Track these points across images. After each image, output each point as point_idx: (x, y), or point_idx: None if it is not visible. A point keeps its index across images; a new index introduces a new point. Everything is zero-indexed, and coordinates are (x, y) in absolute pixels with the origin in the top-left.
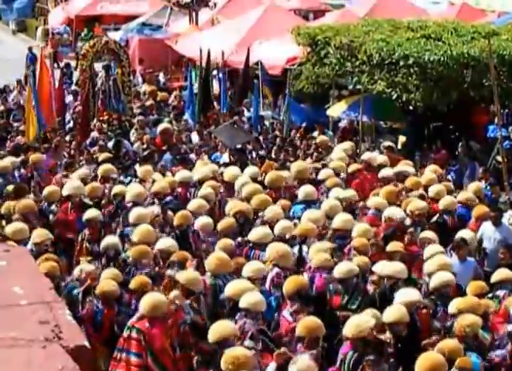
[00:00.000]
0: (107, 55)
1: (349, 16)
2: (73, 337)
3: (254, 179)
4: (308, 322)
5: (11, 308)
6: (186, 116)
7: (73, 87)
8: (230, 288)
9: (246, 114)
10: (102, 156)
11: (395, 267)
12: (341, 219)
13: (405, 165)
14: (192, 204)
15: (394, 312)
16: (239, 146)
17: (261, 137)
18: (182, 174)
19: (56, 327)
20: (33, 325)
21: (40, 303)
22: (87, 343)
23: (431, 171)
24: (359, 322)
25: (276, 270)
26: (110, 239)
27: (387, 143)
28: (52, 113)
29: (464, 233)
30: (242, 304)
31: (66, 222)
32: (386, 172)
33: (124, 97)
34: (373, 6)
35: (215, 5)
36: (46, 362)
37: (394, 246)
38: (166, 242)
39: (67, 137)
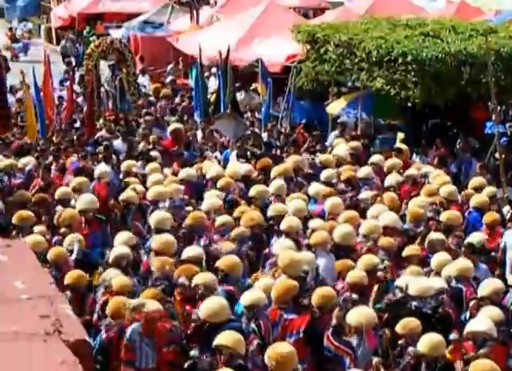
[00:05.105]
0: (112, 54)
1: (348, 14)
2: (74, 331)
3: (248, 177)
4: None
5: (12, 302)
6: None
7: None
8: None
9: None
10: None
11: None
12: (341, 235)
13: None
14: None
15: None
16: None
17: (265, 134)
18: (186, 172)
19: (57, 321)
20: (34, 319)
21: (41, 297)
22: (87, 337)
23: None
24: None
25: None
26: (123, 250)
27: (397, 145)
28: (52, 112)
29: (477, 236)
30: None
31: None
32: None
33: (129, 97)
34: (372, 4)
35: (216, 2)
36: (47, 356)
37: (411, 250)
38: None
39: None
